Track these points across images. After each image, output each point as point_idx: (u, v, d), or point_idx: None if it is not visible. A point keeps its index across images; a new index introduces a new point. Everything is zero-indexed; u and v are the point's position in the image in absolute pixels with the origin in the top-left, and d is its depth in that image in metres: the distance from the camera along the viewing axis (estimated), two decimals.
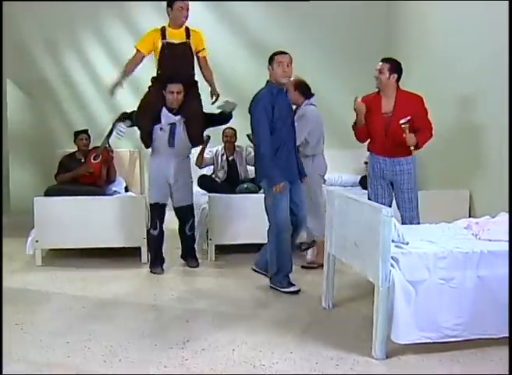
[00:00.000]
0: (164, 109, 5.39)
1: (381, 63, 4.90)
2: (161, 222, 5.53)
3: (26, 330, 4.03)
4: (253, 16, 7.83)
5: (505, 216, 4.38)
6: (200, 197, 6.43)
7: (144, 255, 5.71)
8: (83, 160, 6.46)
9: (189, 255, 5.69)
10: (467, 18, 5.94)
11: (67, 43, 7.48)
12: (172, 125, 5.39)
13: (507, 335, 3.64)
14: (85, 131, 6.62)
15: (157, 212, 5.50)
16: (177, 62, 5.38)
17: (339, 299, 4.56)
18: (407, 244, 3.72)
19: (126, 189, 6.83)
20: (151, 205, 5.55)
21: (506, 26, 5.07)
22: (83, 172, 6.33)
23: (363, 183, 6.70)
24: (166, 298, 4.74)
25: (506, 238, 3.86)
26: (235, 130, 6.69)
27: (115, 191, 6.53)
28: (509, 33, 5.01)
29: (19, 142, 7.46)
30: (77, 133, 6.60)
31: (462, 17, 6.06)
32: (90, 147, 6.58)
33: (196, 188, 6.85)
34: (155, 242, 5.54)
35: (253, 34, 7.81)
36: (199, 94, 5.52)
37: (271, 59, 4.74)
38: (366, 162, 6.00)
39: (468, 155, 5.94)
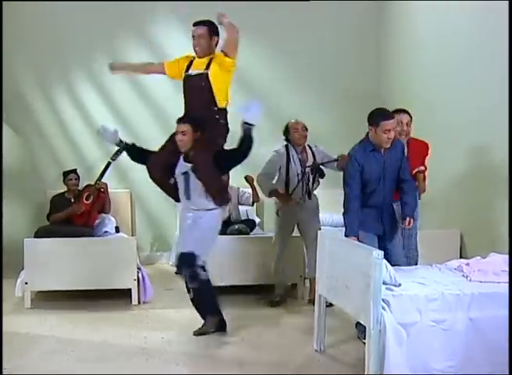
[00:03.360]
0: (181, 156, 4.81)
1: (405, 115, 4.83)
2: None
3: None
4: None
5: (495, 257, 4.38)
6: None
7: (135, 296, 5.65)
8: (72, 200, 6.46)
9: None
10: (464, 63, 6.01)
11: (59, 84, 7.51)
12: (185, 174, 4.79)
13: None
14: (74, 171, 6.64)
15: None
16: (191, 97, 4.79)
17: (331, 341, 4.53)
18: (399, 285, 3.73)
19: (117, 229, 6.81)
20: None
21: (506, 74, 5.14)
22: (74, 211, 6.33)
23: None
24: (156, 341, 4.69)
25: (497, 279, 3.87)
26: None
27: (105, 232, 6.51)
28: (509, 80, 5.07)
29: (10, 182, 7.44)
30: (66, 174, 6.62)
31: (457, 63, 6.13)
32: (82, 185, 6.59)
33: None
34: (209, 290, 4.87)
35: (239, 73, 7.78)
36: (218, 135, 4.79)
37: (374, 121, 4.39)
38: None
39: (459, 196, 5.97)
